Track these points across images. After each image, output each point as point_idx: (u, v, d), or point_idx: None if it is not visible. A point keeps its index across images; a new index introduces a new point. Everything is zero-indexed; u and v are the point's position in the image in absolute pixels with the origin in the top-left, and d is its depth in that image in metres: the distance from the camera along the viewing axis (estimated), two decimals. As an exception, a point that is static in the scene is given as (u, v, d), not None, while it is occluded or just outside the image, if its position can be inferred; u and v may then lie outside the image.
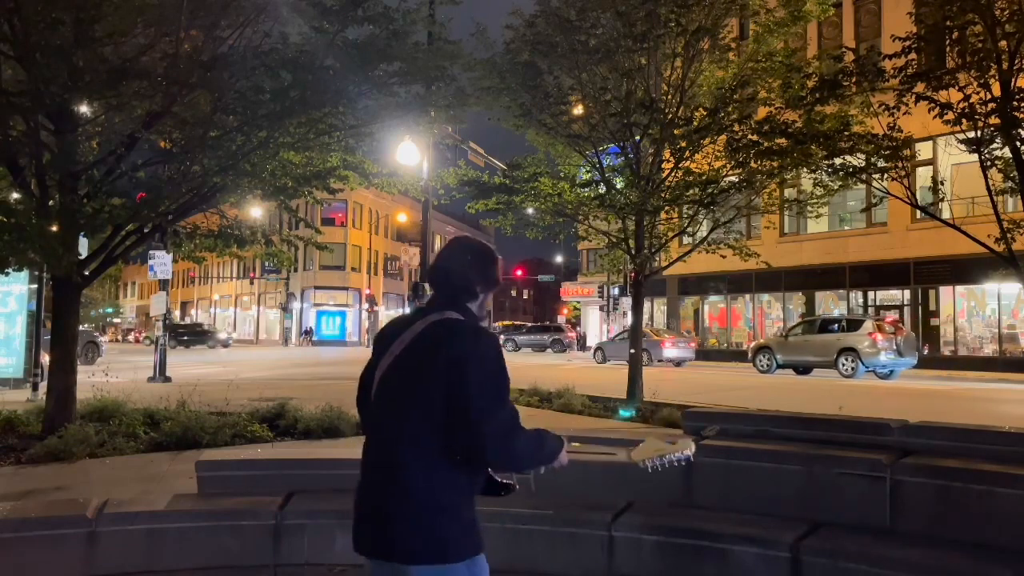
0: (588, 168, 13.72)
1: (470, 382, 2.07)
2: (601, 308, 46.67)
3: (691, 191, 11.88)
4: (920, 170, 20.15)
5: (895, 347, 21.58)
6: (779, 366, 23.86)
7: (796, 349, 23.68)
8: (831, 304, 30.75)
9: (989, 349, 26.34)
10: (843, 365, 21.81)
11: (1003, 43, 8.49)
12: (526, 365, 24.87)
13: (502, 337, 50.93)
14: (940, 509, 3.84)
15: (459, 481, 2.13)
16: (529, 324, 59.03)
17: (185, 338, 49.91)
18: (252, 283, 66.69)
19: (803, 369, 23.47)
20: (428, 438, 2.09)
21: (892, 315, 26.48)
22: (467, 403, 2.05)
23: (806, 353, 23.24)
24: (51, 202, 8.36)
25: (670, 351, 28.91)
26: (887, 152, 9.78)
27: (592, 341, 44.18)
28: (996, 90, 8.55)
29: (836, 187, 11.42)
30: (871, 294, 29.86)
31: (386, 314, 68.81)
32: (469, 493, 2.19)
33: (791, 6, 12.12)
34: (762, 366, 24.34)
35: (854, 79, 10.02)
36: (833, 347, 22.22)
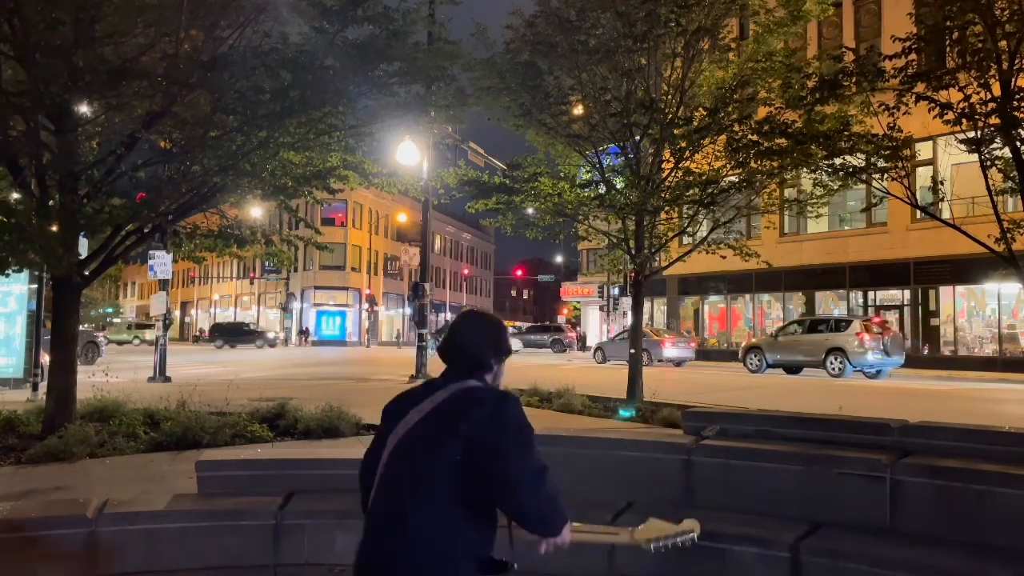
0: (588, 168, 13.72)
1: (507, 449, 2.09)
2: (601, 308, 46.67)
3: (691, 191, 11.88)
4: (920, 170, 20.15)
5: (882, 347, 21.86)
6: (769, 366, 24.09)
7: (786, 349, 23.90)
8: (831, 304, 30.76)
9: (989, 349, 26.35)
10: (831, 365, 22.08)
11: (1003, 43, 8.48)
12: (526, 365, 24.85)
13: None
14: (940, 509, 3.84)
15: (469, 555, 2.11)
16: (529, 324, 59.03)
17: (231, 337, 49.27)
18: (252, 283, 66.69)
19: (793, 369, 23.63)
20: (446, 507, 2.08)
21: (880, 316, 26.57)
22: (506, 470, 2.07)
23: (795, 353, 23.47)
24: (51, 202, 8.35)
25: (670, 351, 28.92)
26: (887, 152, 9.78)
27: (592, 341, 44.18)
28: (996, 90, 8.55)
29: (836, 187, 11.42)
30: (871, 294, 29.85)
31: (386, 314, 68.93)
32: (475, 554, 2.15)
33: (791, 6, 12.12)
34: (752, 366, 24.57)
35: (854, 79, 10.02)
36: (821, 347, 22.46)
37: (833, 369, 22.00)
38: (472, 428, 2.09)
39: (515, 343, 45.69)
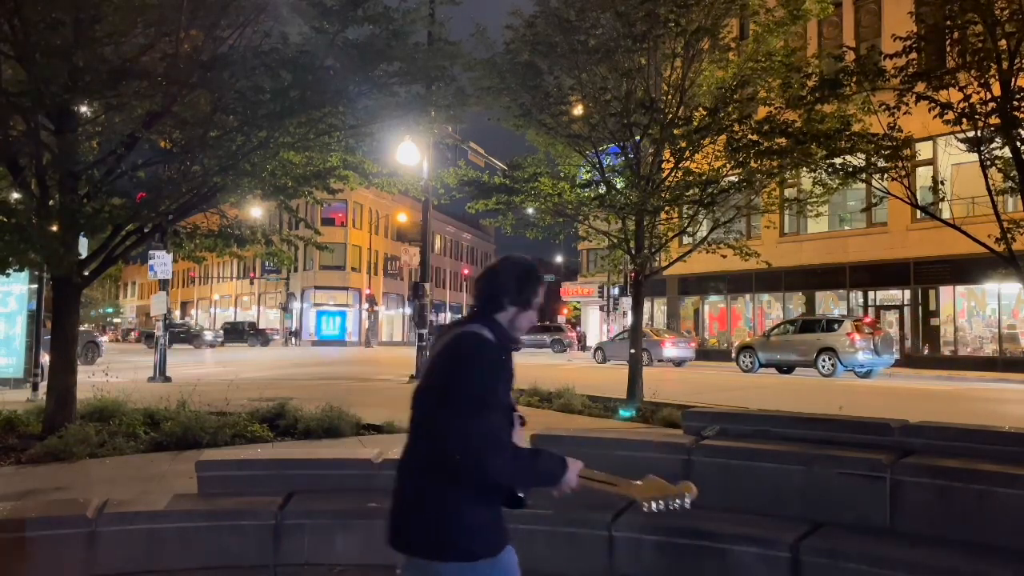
0: (588, 168, 13.72)
1: (452, 388, 2.12)
2: (601, 308, 46.66)
3: (691, 191, 11.88)
4: (920, 170, 20.14)
5: (873, 347, 22.04)
6: (762, 365, 24.23)
7: (778, 349, 24.06)
8: (831, 304, 30.76)
9: (989, 349, 26.34)
10: (822, 364, 22.30)
11: (1003, 43, 8.48)
12: (526, 365, 24.81)
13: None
14: (940, 509, 3.84)
15: (462, 483, 2.16)
16: (529, 324, 58.82)
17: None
18: (252, 283, 66.68)
19: (785, 368, 23.72)
20: (429, 440, 2.18)
21: (868, 316, 26.64)
22: (447, 406, 2.10)
23: (787, 353, 23.63)
24: (51, 202, 8.35)
25: (670, 351, 28.93)
26: (887, 152, 9.78)
27: (592, 341, 44.18)
28: (996, 90, 8.55)
29: (836, 186, 11.42)
30: (871, 294, 29.85)
31: (386, 314, 68.91)
32: (483, 495, 2.19)
33: (791, 5, 12.12)
34: (744, 365, 24.73)
35: (854, 79, 10.02)
36: (813, 347, 22.66)
37: (824, 369, 22.22)
38: (440, 368, 2.19)
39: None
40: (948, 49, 9.31)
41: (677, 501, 2.36)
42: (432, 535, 2.17)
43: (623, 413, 10.95)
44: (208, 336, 49.19)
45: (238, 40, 9.21)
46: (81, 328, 12.28)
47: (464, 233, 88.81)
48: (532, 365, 24.60)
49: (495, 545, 2.21)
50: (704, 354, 32.51)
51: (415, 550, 2.21)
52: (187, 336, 48.32)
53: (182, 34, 8.64)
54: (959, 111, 8.65)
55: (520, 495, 2.29)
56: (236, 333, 52.69)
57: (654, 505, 2.34)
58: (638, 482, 2.38)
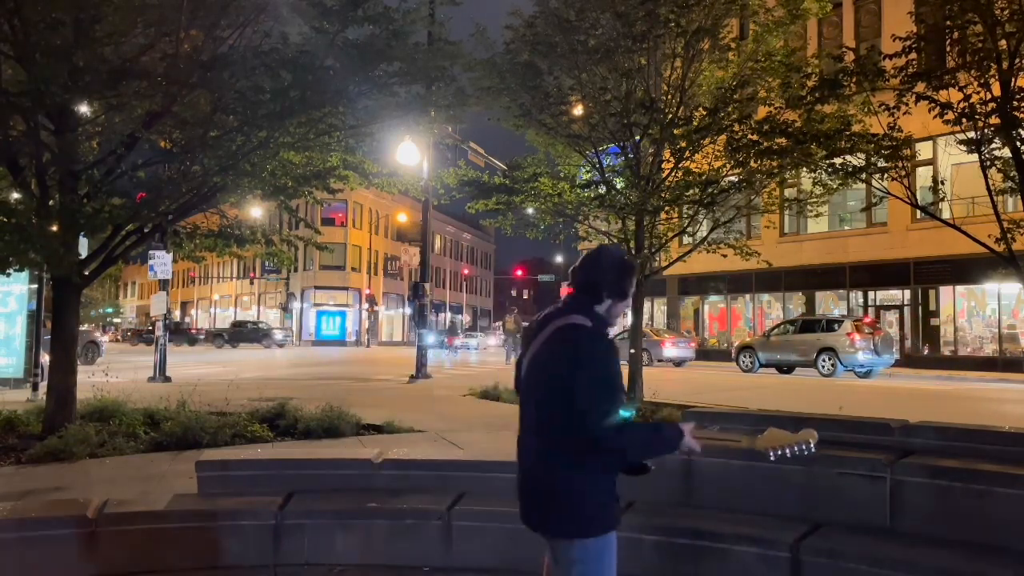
0: (588, 168, 13.72)
1: (580, 381, 2.34)
2: (601, 308, 46.52)
3: (691, 191, 11.88)
4: (920, 170, 20.14)
5: (872, 347, 22.02)
6: (762, 365, 24.20)
7: (778, 349, 24.04)
8: (831, 304, 30.76)
9: (989, 349, 26.34)
10: (822, 364, 22.26)
11: (1003, 43, 8.48)
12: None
13: (502, 338, 50.91)
14: (940, 509, 3.84)
15: (588, 466, 2.39)
16: (528, 324, 58.81)
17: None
18: (252, 283, 66.67)
19: (785, 368, 23.72)
20: (556, 428, 2.38)
21: (868, 316, 26.63)
22: (577, 398, 2.33)
23: (787, 352, 23.61)
24: (51, 202, 8.35)
25: (670, 351, 28.92)
26: (887, 152, 9.78)
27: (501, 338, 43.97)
28: (996, 90, 8.55)
29: (836, 186, 11.42)
30: (871, 294, 29.85)
31: (386, 314, 68.89)
32: (601, 475, 2.43)
33: (790, 5, 12.13)
34: (744, 365, 24.71)
35: (854, 79, 10.02)
36: (813, 347, 22.62)
37: (824, 369, 22.18)
38: (556, 359, 2.40)
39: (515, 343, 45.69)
40: (948, 49, 9.31)
41: (802, 446, 2.46)
42: (557, 514, 2.41)
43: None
44: (279, 335, 48.24)
45: (238, 40, 9.20)
46: (81, 328, 12.26)
47: (464, 233, 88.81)
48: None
49: (610, 523, 2.45)
50: (704, 354, 32.50)
51: (545, 529, 2.47)
52: (256, 335, 47.26)
53: (182, 34, 8.64)
54: (959, 111, 8.65)
55: (644, 463, 2.53)
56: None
57: (780, 452, 2.47)
58: (761, 435, 2.51)
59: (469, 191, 14.42)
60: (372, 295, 62.65)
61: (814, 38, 26.46)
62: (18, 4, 7.63)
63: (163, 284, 18.16)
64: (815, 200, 12.47)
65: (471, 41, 12.28)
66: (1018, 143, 8.37)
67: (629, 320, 14.96)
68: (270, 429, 8.67)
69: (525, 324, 46.85)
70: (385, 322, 69.76)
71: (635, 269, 2.62)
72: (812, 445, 2.45)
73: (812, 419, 5.12)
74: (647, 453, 2.50)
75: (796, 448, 2.45)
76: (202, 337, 51.41)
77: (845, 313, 28.30)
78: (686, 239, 15.00)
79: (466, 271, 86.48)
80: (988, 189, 9.26)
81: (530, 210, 13.92)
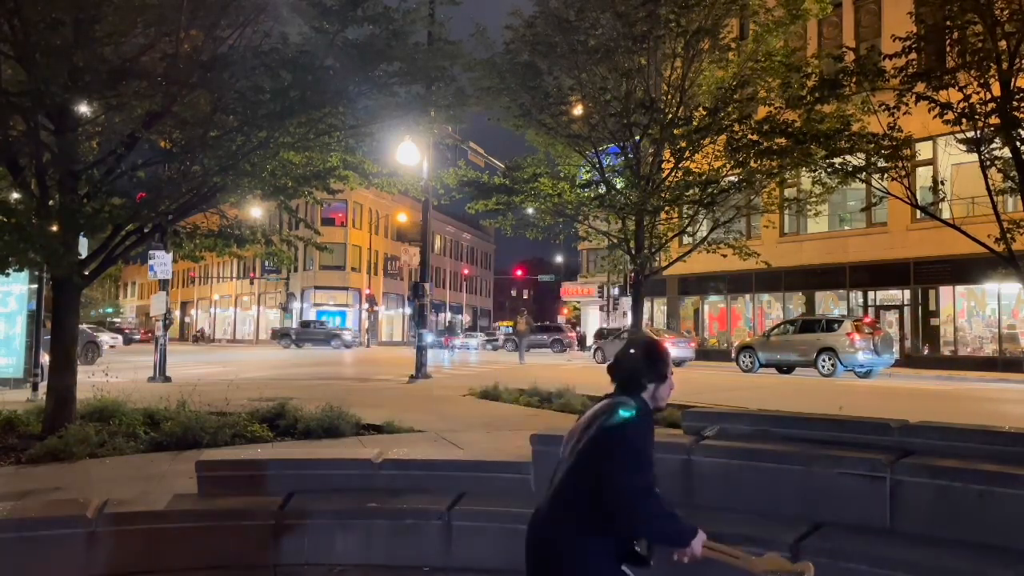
0: (588, 168, 13.73)
1: (615, 450, 2.46)
2: (601, 308, 46.66)
3: (691, 191, 11.90)
4: (920, 170, 20.14)
5: (872, 347, 22.01)
6: (762, 365, 24.20)
7: (778, 349, 24.02)
8: (831, 304, 30.75)
9: (989, 349, 26.34)
10: (822, 364, 22.24)
11: (1003, 43, 8.49)
12: (526, 365, 24.90)
13: (502, 338, 51.02)
14: (940, 509, 3.84)
15: (605, 546, 2.47)
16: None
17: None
18: (252, 283, 66.66)
19: (785, 368, 23.73)
20: (582, 502, 2.47)
21: (868, 316, 26.62)
22: (611, 467, 2.43)
23: (787, 352, 23.60)
24: (51, 202, 8.35)
25: (670, 351, 28.90)
26: (887, 152, 9.79)
27: (592, 341, 44.15)
28: (996, 90, 8.56)
29: (835, 184, 11.42)
30: (871, 294, 29.85)
31: (386, 314, 68.92)
32: (613, 556, 2.51)
33: (790, 5, 12.14)
34: (744, 365, 24.69)
35: (854, 79, 10.03)
36: (813, 347, 22.61)
37: (824, 368, 22.17)
38: (595, 431, 2.53)
39: (515, 343, 45.76)
40: (948, 49, 9.31)
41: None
42: None
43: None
44: (347, 336, 47.73)
45: (238, 40, 9.20)
46: (81, 328, 12.26)
47: (464, 233, 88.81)
48: (532, 365, 24.59)
49: None
50: (704, 354, 32.51)
51: None
52: (325, 336, 46.82)
53: (182, 34, 8.64)
54: (959, 111, 8.65)
55: (642, 554, 2.58)
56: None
57: None
58: (760, 558, 2.57)
59: (469, 191, 14.43)
60: (372, 295, 62.64)
61: (814, 38, 26.47)
62: (18, 4, 7.63)
63: (163, 284, 18.16)
64: (814, 200, 12.48)
65: (471, 41, 12.31)
66: (1018, 143, 8.38)
67: (629, 320, 14.95)
68: (270, 429, 8.67)
69: (537, 324, 46.88)
70: (385, 322, 69.76)
71: (665, 353, 2.79)
72: None
73: (812, 419, 5.12)
74: (658, 533, 2.55)
75: None
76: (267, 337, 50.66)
77: (845, 313, 28.28)
78: (686, 239, 15.01)
79: (466, 271, 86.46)
80: (988, 189, 9.26)
81: (530, 210, 13.94)
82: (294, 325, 54.36)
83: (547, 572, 2.52)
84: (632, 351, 2.74)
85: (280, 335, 49.67)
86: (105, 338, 33.85)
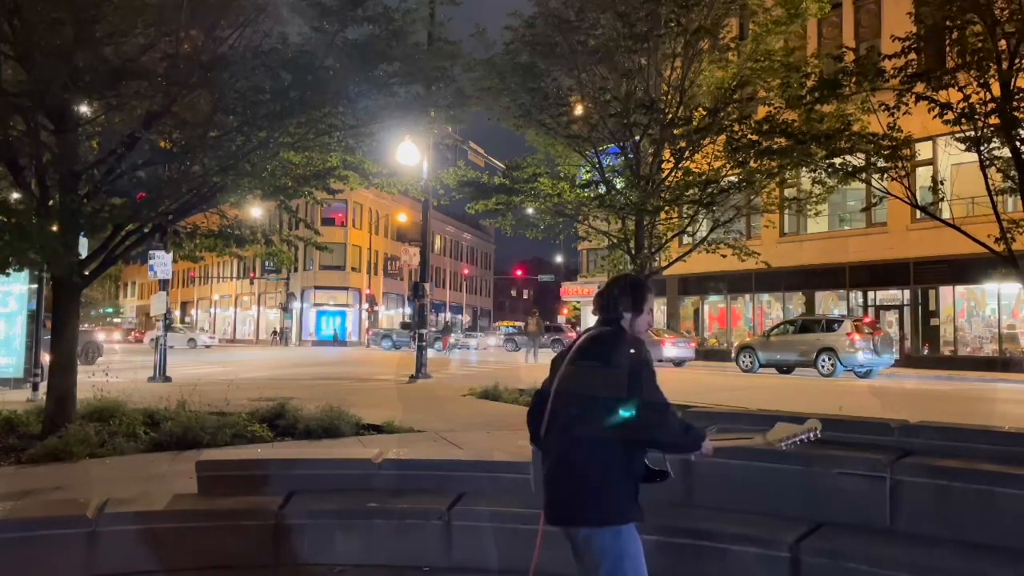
0: (588, 168, 13.73)
1: (616, 369, 2.58)
2: (601, 308, 46.48)
3: (691, 191, 11.90)
4: (920, 170, 20.14)
5: (872, 347, 22.01)
6: (761, 365, 24.20)
7: (778, 349, 24.02)
8: (831, 304, 30.74)
9: (989, 349, 26.34)
10: (822, 364, 22.25)
11: (1003, 43, 8.50)
12: (531, 365, 24.90)
13: (502, 337, 51.03)
14: (940, 509, 3.84)
15: (620, 463, 2.62)
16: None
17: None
18: (252, 283, 66.64)
19: (785, 368, 23.73)
20: (594, 427, 2.59)
21: (868, 316, 26.62)
22: (627, 391, 2.57)
23: (787, 353, 23.60)
24: (51, 202, 8.34)
25: (670, 351, 28.91)
26: (887, 152, 9.79)
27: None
28: (996, 90, 8.56)
29: (834, 183, 11.43)
30: (871, 294, 29.84)
31: (386, 314, 68.89)
32: (629, 472, 2.66)
33: (789, 5, 12.14)
34: (744, 365, 24.70)
35: (854, 79, 10.03)
36: (813, 347, 22.61)
37: (824, 369, 22.19)
38: (591, 363, 2.65)
39: (515, 343, 45.73)
40: (948, 49, 9.32)
41: (809, 435, 2.68)
42: (593, 504, 2.58)
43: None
44: (452, 338, 47.39)
45: (238, 40, 9.20)
46: (81, 328, 12.25)
47: (464, 233, 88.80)
48: (534, 367, 24.58)
49: (638, 513, 2.67)
50: (704, 354, 32.51)
51: (576, 521, 2.61)
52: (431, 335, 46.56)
53: (182, 34, 8.64)
54: (959, 111, 8.66)
55: (660, 469, 2.74)
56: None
57: (791, 442, 2.67)
58: (771, 430, 2.71)
59: (469, 191, 14.43)
60: (372, 295, 62.64)
61: (814, 38, 26.46)
62: (18, 4, 7.63)
63: (163, 284, 18.17)
64: (815, 200, 12.48)
65: (471, 41, 12.30)
66: (1018, 143, 8.38)
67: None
68: (270, 429, 8.67)
69: (547, 324, 46.65)
70: (385, 322, 69.71)
71: (644, 288, 2.88)
72: (818, 432, 2.66)
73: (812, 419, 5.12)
74: (678, 442, 2.72)
75: (804, 437, 2.65)
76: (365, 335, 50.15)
77: (845, 313, 28.28)
78: (686, 239, 15.01)
79: (466, 271, 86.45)
80: (988, 189, 9.27)
81: (530, 210, 13.94)
82: (394, 325, 54.58)
83: (571, 501, 2.60)
84: (614, 284, 2.87)
85: (381, 337, 48.87)
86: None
